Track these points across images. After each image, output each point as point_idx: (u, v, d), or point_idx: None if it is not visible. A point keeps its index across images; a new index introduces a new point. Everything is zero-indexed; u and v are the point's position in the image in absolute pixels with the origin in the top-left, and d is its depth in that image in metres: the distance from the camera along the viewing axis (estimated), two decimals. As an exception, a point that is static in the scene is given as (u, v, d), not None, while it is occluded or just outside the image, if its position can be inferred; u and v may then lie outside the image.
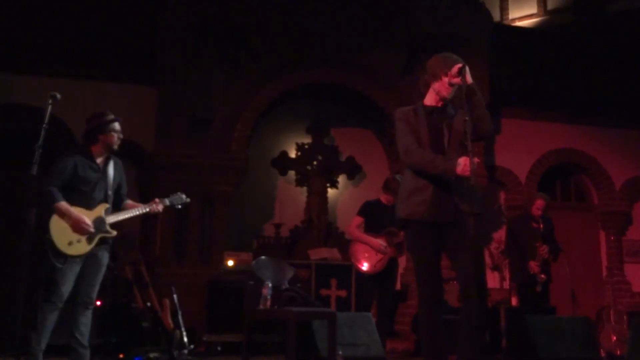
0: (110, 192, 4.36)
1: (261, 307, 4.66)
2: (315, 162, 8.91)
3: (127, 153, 8.13)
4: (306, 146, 8.97)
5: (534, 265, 6.48)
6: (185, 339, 5.85)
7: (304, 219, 8.69)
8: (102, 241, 4.29)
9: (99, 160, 4.33)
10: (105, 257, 4.34)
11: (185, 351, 5.78)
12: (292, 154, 8.92)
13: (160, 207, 4.50)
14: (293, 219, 8.63)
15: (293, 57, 8.16)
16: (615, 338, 7.42)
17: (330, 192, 8.93)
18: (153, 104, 7.90)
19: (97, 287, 4.30)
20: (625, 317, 7.69)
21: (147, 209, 4.45)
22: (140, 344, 5.94)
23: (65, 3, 7.89)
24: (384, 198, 6.07)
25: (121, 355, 5.78)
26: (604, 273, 9.51)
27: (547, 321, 6.01)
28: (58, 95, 3.82)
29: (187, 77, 7.78)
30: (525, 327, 5.83)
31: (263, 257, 5.62)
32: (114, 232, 4.32)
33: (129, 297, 6.20)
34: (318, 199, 8.72)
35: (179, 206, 4.68)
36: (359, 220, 6.06)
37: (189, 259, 7.54)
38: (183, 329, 5.90)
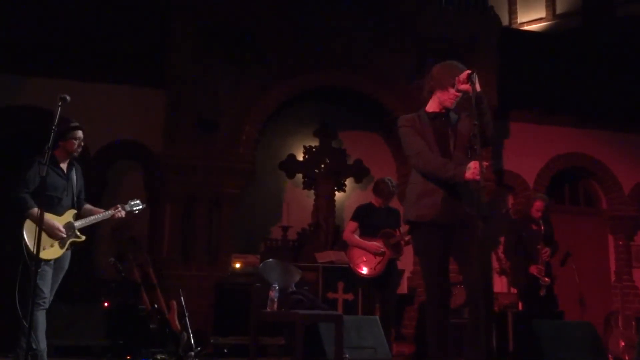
0: (76, 198, 4.51)
1: (268, 309, 4.66)
2: (322, 165, 8.90)
3: (135, 155, 8.22)
4: (314, 149, 8.97)
5: (535, 269, 6.40)
6: (192, 341, 5.86)
7: (312, 222, 8.70)
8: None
9: (63, 165, 4.45)
10: (67, 260, 4.45)
11: (192, 353, 5.79)
12: (300, 157, 8.93)
13: (123, 213, 4.65)
14: (300, 222, 8.64)
15: (301, 60, 8.17)
16: (623, 343, 7.38)
17: (338, 195, 8.93)
18: (161, 106, 7.93)
19: (56, 288, 4.39)
20: (633, 322, 7.67)
21: (111, 214, 4.59)
22: (148, 345, 5.97)
23: (75, 6, 7.93)
24: (374, 200, 6.08)
25: (128, 357, 5.81)
26: (613, 278, 9.47)
27: (554, 326, 5.98)
28: (68, 98, 3.85)
29: (195, 80, 7.80)
30: (532, 332, 5.81)
31: (270, 259, 5.63)
32: (83, 237, 4.46)
33: (137, 299, 6.22)
34: (325, 202, 8.73)
35: (137, 211, 4.77)
36: (354, 225, 6.06)
37: (196, 261, 7.55)
38: (190, 330, 5.91)
